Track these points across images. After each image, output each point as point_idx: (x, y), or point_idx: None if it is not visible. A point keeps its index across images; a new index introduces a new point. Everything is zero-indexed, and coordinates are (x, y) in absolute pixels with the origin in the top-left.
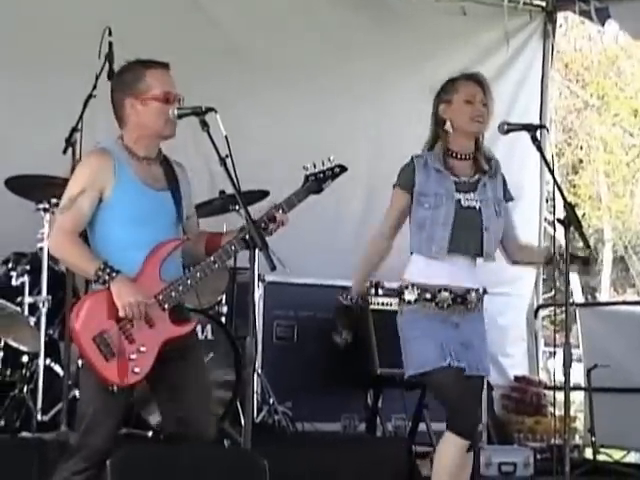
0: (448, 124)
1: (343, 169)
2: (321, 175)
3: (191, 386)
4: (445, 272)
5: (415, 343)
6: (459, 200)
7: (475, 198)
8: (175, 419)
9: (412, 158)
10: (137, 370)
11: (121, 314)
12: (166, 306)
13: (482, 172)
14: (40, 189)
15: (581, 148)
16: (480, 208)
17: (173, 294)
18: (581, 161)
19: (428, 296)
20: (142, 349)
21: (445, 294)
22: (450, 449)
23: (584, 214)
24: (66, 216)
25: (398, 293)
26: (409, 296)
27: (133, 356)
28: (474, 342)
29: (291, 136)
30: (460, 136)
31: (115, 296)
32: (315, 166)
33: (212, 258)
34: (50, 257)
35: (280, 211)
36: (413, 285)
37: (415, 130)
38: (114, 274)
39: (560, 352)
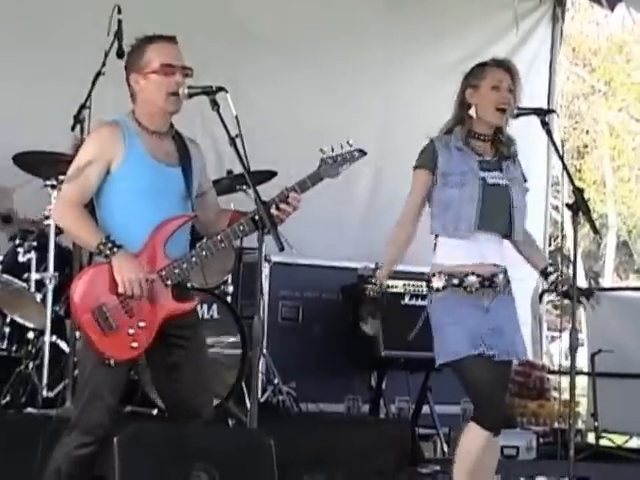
0: (473, 109)
1: (362, 153)
2: (339, 159)
3: (189, 365)
4: (473, 252)
5: (446, 331)
6: (484, 178)
7: (501, 176)
8: (171, 396)
9: (431, 140)
10: (135, 345)
11: (120, 290)
12: (169, 282)
13: (502, 155)
14: (48, 166)
15: (587, 133)
16: (508, 186)
17: (177, 271)
18: (586, 146)
19: (456, 282)
20: (141, 324)
21: (472, 278)
22: (474, 441)
23: (589, 199)
24: (72, 186)
25: (426, 281)
26: (437, 283)
27: (131, 331)
28: (505, 327)
29: (300, 117)
30: (483, 123)
31: (115, 271)
32: (333, 149)
33: (219, 237)
34: (57, 234)
35: (293, 193)
36: (440, 272)
37: (424, 112)
38: (116, 249)
39: (563, 337)
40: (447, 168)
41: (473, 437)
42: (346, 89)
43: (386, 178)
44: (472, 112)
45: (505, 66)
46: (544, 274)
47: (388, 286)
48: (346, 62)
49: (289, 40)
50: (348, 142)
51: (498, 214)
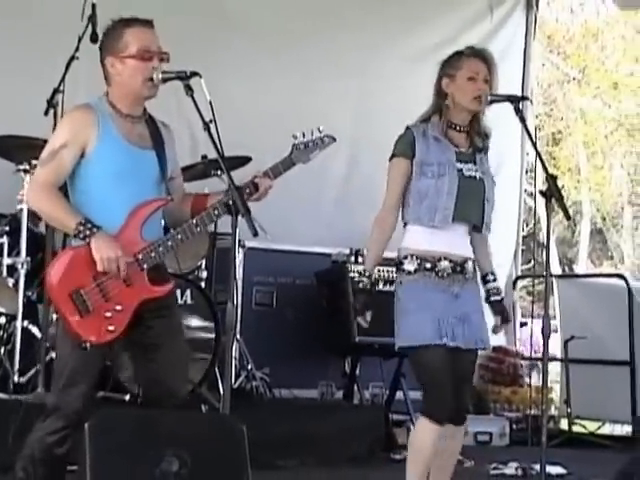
0: (449, 99)
1: (332, 139)
2: (310, 144)
3: (165, 346)
4: (445, 241)
5: (412, 315)
6: (461, 170)
7: (475, 169)
8: (147, 377)
9: (408, 127)
10: (111, 328)
11: (99, 268)
12: (145, 266)
13: (476, 147)
14: (20, 150)
15: (562, 119)
16: (482, 179)
17: (153, 254)
18: (560, 132)
19: (428, 265)
20: (118, 307)
21: (445, 263)
22: (424, 436)
23: (563, 186)
24: (47, 168)
25: (397, 263)
26: (409, 266)
27: (108, 314)
28: (472, 315)
29: (275, 103)
30: (460, 111)
31: (94, 249)
32: (304, 135)
33: (194, 221)
34: (30, 218)
35: (266, 178)
36: (412, 255)
37: (398, 97)
38: (95, 229)
39: (537, 323)
40: (425, 158)
41: (424, 432)
42: (321, 74)
43: (360, 163)
44: (449, 101)
45: (481, 56)
46: (484, 280)
47: (378, 277)
48: (321, 48)
49: (264, 26)
50: (319, 129)
51: (472, 207)
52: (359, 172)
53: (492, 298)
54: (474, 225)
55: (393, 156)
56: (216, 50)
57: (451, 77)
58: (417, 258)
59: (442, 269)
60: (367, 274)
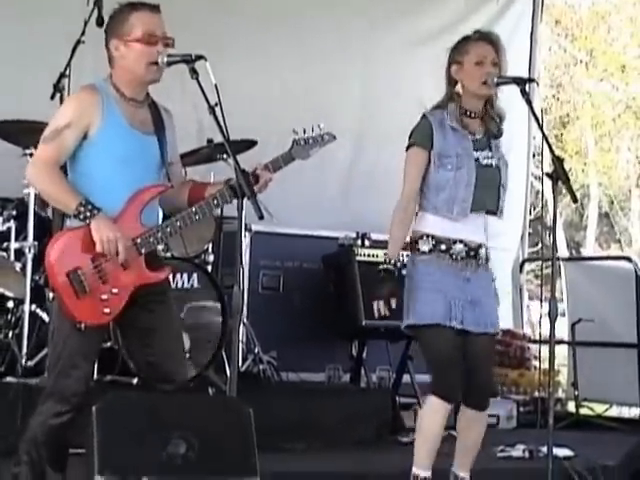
0: (459, 85)
1: (331, 137)
2: (310, 141)
3: (161, 330)
4: (460, 229)
5: (423, 294)
6: (477, 159)
7: (491, 155)
8: (144, 362)
9: (425, 115)
10: (107, 311)
11: (98, 249)
12: (143, 250)
13: (491, 133)
14: (27, 134)
15: (569, 102)
16: (497, 165)
17: (151, 239)
18: (568, 115)
19: (443, 247)
20: (114, 290)
21: (460, 246)
22: (433, 414)
23: (570, 169)
24: (49, 146)
25: (411, 243)
26: (424, 246)
27: (104, 296)
28: (482, 299)
29: (282, 86)
30: (471, 97)
31: (94, 230)
32: (305, 131)
33: (194, 209)
34: (37, 202)
35: (266, 171)
36: (428, 235)
37: (404, 81)
38: (95, 211)
39: (545, 306)
40: (443, 149)
41: (432, 411)
42: (327, 58)
43: (366, 147)
44: (459, 88)
45: (488, 39)
46: None
47: (396, 263)
48: (327, 31)
49: (271, 10)
50: (319, 125)
51: (489, 194)
52: (365, 155)
53: None
54: (491, 211)
55: (410, 145)
56: (221, 34)
57: (459, 63)
58: (432, 239)
59: (456, 252)
60: (392, 261)
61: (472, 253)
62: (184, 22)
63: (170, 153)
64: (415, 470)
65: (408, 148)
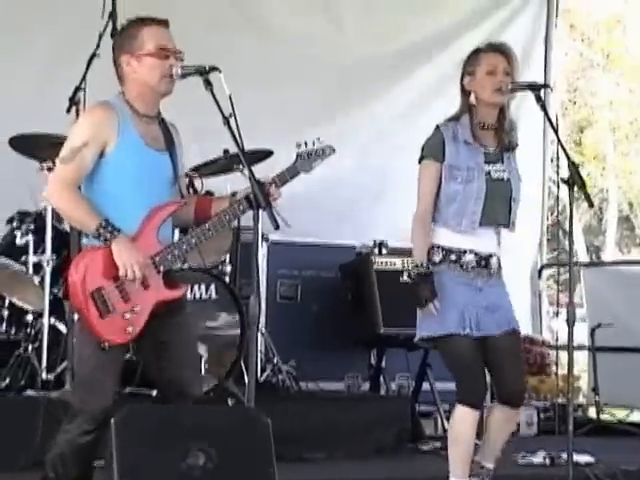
0: (472, 96)
1: (331, 150)
2: (313, 154)
3: (177, 344)
4: (470, 241)
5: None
6: (489, 172)
7: (503, 169)
8: (160, 376)
9: (438, 127)
10: (130, 330)
11: (121, 274)
12: (161, 268)
13: (504, 146)
14: (44, 148)
15: (586, 105)
16: (509, 179)
17: (169, 257)
18: (586, 119)
19: (453, 257)
20: (136, 309)
21: (470, 256)
22: (463, 422)
23: (589, 173)
24: (68, 167)
25: None
26: (434, 257)
27: (127, 315)
28: (498, 303)
29: (280, 99)
30: (485, 107)
31: (116, 255)
32: (306, 144)
33: (207, 226)
34: (54, 216)
35: (273, 186)
36: (438, 247)
37: (412, 88)
38: (116, 232)
39: (563, 311)
40: (454, 162)
41: (462, 419)
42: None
43: (370, 156)
44: (472, 99)
45: (499, 49)
46: None
47: (429, 266)
48: (328, 47)
49: (279, 21)
50: (318, 139)
51: (500, 208)
52: (369, 163)
53: None
54: (503, 224)
55: (422, 158)
56: (234, 47)
57: (471, 74)
58: (442, 250)
59: (467, 262)
60: (425, 265)
61: (483, 263)
62: (197, 36)
63: (180, 169)
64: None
65: (420, 160)
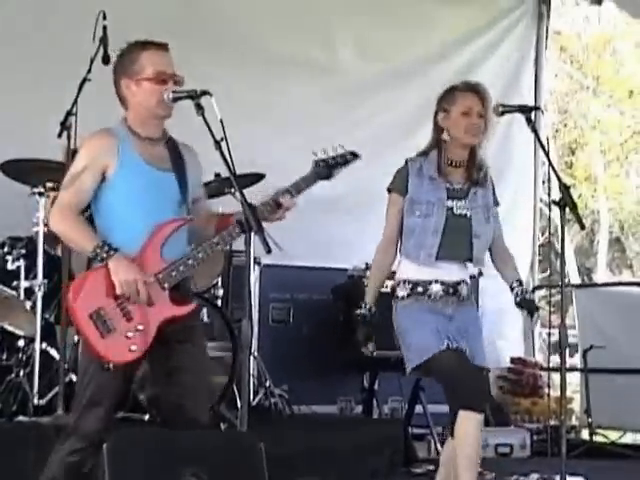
0: (445, 133)
1: (354, 157)
2: (332, 161)
3: (189, 369)
4: (433, 272)
5: (411, 334)
6: (451, 208)
7: (466, 206)
8: (169, 402)
9: (406, 162)
10: (134, 348)
11: (118, 291)
12: (166, 285)
13: (473, 181)
14: (35, 173)
15: (575, 127)
16: (471, 216)
17: (174, 273)
18: (576, 141)
19: (420, 289)
20: (140, 327)
21: (437, 286)
22: (468, 427)
23: (580, 195)
24: (68, 192)
25: (391, 291)
26: (401, 292)
27: (130, 334)
28: (469, 329)
29: (282, 119)
30: (457, 145)
31: (112, 273)
32: (325, 151)
33: (215, 239)
34: (46, 241)
35: (287, 196)
36: (404, 281)
37: (406, 110)
38: (112, 252)
39: (556, 333)
40: (416, 196)
41: (467, 424)
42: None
43: (359, 180)
44: (445, 136)
45: (475, 90)
46: (511, 289)
47: (375, 309)
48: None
49: (271, 40)
50: (340, 145)
51: (459, 244)
52: (360, 186)
53: (518, 298)
54: (466, 259)
55: (389, 190)
56: (228, 68)
57: (446, 112)
58: (409, 283)
59: (434, 292)
60: (367, 307)
61: (451, 290)
62: (187, 58)
63: (193, 189)
64: None
65: (388, 192)
